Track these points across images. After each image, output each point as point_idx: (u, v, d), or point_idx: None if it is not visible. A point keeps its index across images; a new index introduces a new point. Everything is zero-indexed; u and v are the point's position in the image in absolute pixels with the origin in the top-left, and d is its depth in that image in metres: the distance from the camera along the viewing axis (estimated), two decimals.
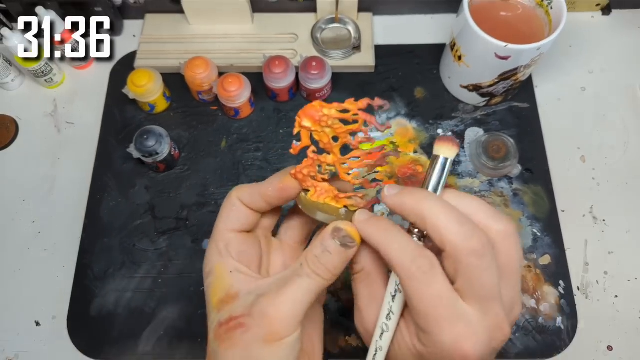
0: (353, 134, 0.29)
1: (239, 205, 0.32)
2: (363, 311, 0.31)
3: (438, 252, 0.27)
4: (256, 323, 0.28)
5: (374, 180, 0.33)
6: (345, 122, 0.29)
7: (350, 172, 0.32)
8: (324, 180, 0.32)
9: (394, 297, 0.29)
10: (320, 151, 0.30)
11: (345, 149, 0.29)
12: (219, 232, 0.32)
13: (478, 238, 0.26)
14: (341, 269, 0.29)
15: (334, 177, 0.32)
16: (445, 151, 0.30)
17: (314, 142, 0.30)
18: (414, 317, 0.27)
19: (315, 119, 0.28)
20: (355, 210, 0.31)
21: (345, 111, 0.28)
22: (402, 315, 0.29)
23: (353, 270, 0.31)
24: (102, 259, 0.55)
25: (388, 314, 0.29)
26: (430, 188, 0.29)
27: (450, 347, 0.25)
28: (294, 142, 0.30)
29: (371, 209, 0.31)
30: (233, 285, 0.30)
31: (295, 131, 0.29)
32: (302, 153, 0.30)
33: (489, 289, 0.26)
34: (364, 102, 0.28)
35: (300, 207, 0.32)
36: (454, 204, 0.27)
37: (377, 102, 0.28)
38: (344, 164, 0.31)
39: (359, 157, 0.31)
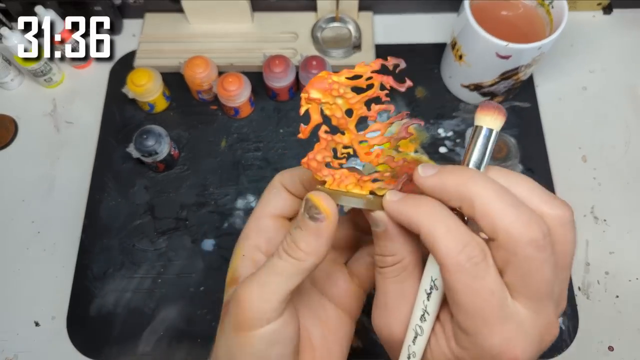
0: (368, 103, 0.26)
1: (280, 189, 0.30)
2: (390, 311, 0.26)
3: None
4: (232, 310, 0.26)
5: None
6: (357, 91, 0.25)
7: (371, 150, 0.27)
8: (341, 165, 0.27)
9: (429, 295, 0.25)
10: (333, 131, 0.26)
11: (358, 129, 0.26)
12: (255, 214, 0.31)
13: (538, 226, 0.22)
14: (318, 250, 0.25)
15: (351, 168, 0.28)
16: (490, 121, 0.25)
17: (325, 121, 0.26)
18: (457, 316, 0.23)
19: (325, 88, 0.25)
20: (383, 195, 0.27)
21: (357, 77, 0.25)
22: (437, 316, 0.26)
23: (384, 263, 0.26)
24: (102, 259, 0.55)
25: (422, 315, 0.25)
26: (472, 165, 0.25)
27: (498, 351, 0.22)
28: (302, 125, 0.26)
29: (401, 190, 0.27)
30: (237, 269, 0.29)
31: (303, 109, 0.26)
32: (311, 141, 0.27)
33: (546, 287, 0.22)
34: (377, 63, 0.25)
35: None
36: (501, 182, 0.23)
37: (391, 60, 0.25)
38: (362, 141, 0.27)
39: (379, 131, 0.27)
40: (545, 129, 0.61)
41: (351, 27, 0.64)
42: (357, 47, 0.63)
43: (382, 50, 0.64)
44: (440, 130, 0.61)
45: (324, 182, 0.27)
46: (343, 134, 0.27)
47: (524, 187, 0.24)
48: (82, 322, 0.52)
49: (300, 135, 0.26)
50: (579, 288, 0.53)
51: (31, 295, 0.54)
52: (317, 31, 0.64)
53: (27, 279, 0.55)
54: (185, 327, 0.52)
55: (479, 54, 0.54)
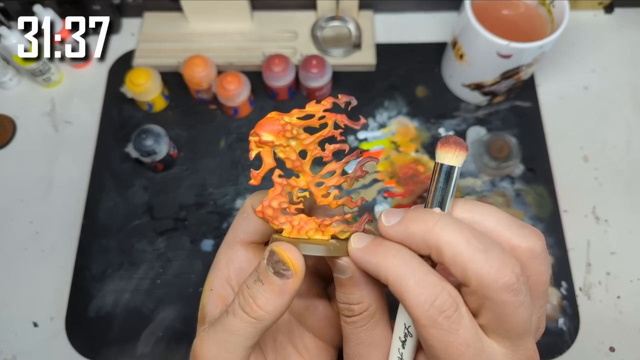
0: (322, 143, 0.25)
1: (251, 212, 0.27)
2: None
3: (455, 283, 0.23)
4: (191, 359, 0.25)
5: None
6: (310, 131, 0.24)
7: (328, 192, 0.26)
8: (298, 210, 0.25)
9: (403, 342, 0.24)
10: (287, 174, 0.25)
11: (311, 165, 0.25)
12: (226, 240, 0.29)
13: (510, 269, 0.21)
14: (278, 308, 0.23)
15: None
16: (450, 158, 0.24)
17: (278, 164, 0.25)
18: None
19: (278, 130, 0.24)
20: (346, 238, 0.25)
21: (309, 117, 0.24)
22: None
23: (352, 312, 0.25)
24: (100, 260, 0.54)
25: None
26: (435, 206, 0.24)
27: None
28: (252, 170, 0.25)
29: (364, 230, 0.26)
30: (205, 306, 0.27)
31: (253, 153, 0.24)
32: (266, 180, 0.25)
33: (523, 325, 0.21)
34: (328, 101, 0.24)
35: None
36: (468, 219, 0.22)
37: (342, 98, 0.24)
38: (318, 184, 0.25)
39: (334, 172, 0.25)
40: (546, 128, 0.60)
41: (351, 26, 0.64)
42: (357, 46, 0.63)
43: (383, 49, 0.64)
44: (441, 130, 0.60)
45: (281, 231, 0.25)
46: (298, 176, 0.25)
47: (493, 220, 0.23)
48: (80, 323, 0.52)
49: (252, 182, 0.25)
50: (580, 289, 0.53)
51: (29, 295, 0.54)
52: (317, 30, 0.64)
53: (26, 280, 0.54)
54: (184, 328, 0.52)
55: (480, 53, 0.54)
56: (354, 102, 0.24)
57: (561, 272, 0.53)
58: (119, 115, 0.62)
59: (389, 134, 0.60)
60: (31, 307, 0.53)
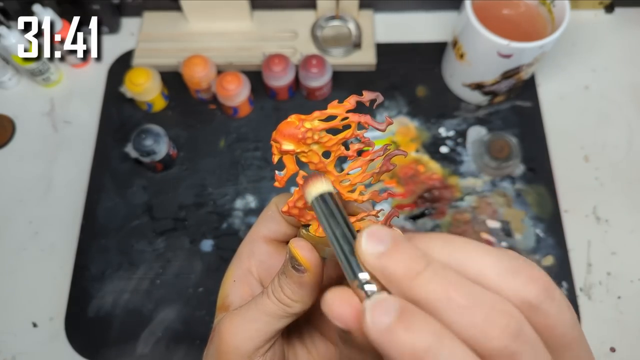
0: (346, 142, 0.24)
1: (275, 212, 0.29)
2: None
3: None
4: (215, 341, 0.25)
5: (384, 189, 0.27)
6: (334, 131, 0.23)
7: (353, 188, 0.25)
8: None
9: None
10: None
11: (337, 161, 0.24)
12: (249, 235, 0.30)
13: (500, 330, 0.16)
14: (303, 299, 0.24)
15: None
16: (315, 189, 0.21)
17: (301, 165, 0.24)
18: None
19: (298, 138, 0.23)
20: None
21: (331, 118, 0.23)
22: None
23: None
24: (100, 260, 0.54)
25: None
26: (342, 242, 0.20)
27: None
28: (276, 172, 0.25)
29: (390, 225, 0.24)
30: (229, 296, 0.28)
31: (276, 158, 0.24)
32: (291, 181, 0.25)
33: None
34: (351, 101, 0.22)
35: None
36: (443, 257, 0.18)
37: (367, 96, 0.22)
38: (343, 181, 0.25)
39: (360, 168, 0.25)
40: (547, 128, 0.60)
41: (351, 25, 0.64)
42: (357, 45, 0.63)
43: (383, 49, 0.64)
44: (442, 130, 0.60)
45: (309, 225, 0.25)
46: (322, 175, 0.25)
47: (472, 257, 0.18)
48: (80, 323, 0.52)
49: (277, 184, 0.24)
50: (581, 289, 0.53)
51: (29, 296, 0.54)
52: (317, 30, 0.63)
53: (25, 280, 0.54)
54: (183, 329, 0.51)
55: (480, 52, 0.54)
56: (380, 99, 0.23)
57: (562, 272, 0.53)
58: (119, 115, 0.61)
59: (389, 133, 0.60)
60: (30, 308, 0.53)
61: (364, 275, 0.18)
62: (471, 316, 0.16)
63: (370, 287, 0.18)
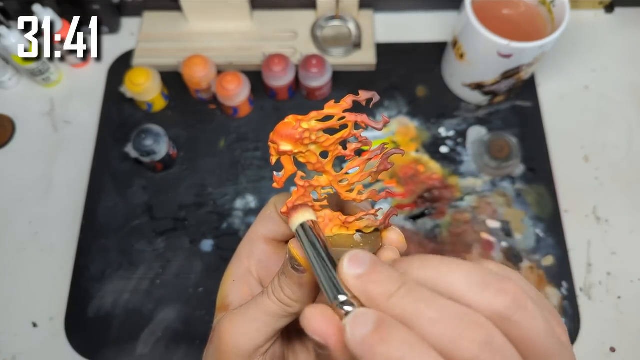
0: (344, 142, 0.24)
1: (274, 212, 0.29)
2: None
3: None
4: (215, 341, 0.25)
5: (383, 189, 0.27)
6: (331, 131, 0.23)
7: (352, 188, 0.26)
8: (323, 207, 0.25)
9: None
10: (310, 173, 0.25)
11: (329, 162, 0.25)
12: (248, 235, 0.30)
13: (469, 342, 0.17)
14: (302, 299, 0.24)
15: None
16: (298, 219, 0.23)
17: (299, 165, 0.25)
18: None
19: (296, 139, 0.23)
20: (372, 232, 0.25)
21: (328, 118, 0.23)
22: None
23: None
24: (100, 260, 0.54)
25: None
26: (329, 273, 0.21)
27: None
28: (275, 173, 0.25)
29: (389, 224, 0.25)
30: (228, 296, 0.29)
31: (274, 159, 0.24)
32: (289, 182, 0.25)
33: None
34: (347, 101, 0.23)
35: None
36: (420, 276, 0.19)
37: (363, 95, 0.23)
38: (342, 180, 0.25)
39: (358, 168, 0.25)
40: (547, 128, 0.60)
41: (351, 25, 0.64)
42: (358, 45, 0.63)
43: (383, 49, 0.64)
44: (442, 130, 0.60)
45: None
46: (320, 175, 0.25)
47: (450, 278, 0.19)
48: (80, 323, 0.52)
49: (275, 185, 0.25)
50: (581, 289, 0.53)
51: (29, 296, 0.54)
52: (317, 30, 0.63)
53: (25, 280, 0.54)
54: (183, 329, 0.51)
55: (480, 52, 0.54)
56: (377, 98, 0.23)
57: (562, 272, 0.53)
58: (119, 115, 0.61)
59: (389, 133, 0.60)
60: (30, 308, 0.53)
61: (342, 297, 0.19)
62: (441, 328, 0.17)
63: (348, 307, 0.19)
